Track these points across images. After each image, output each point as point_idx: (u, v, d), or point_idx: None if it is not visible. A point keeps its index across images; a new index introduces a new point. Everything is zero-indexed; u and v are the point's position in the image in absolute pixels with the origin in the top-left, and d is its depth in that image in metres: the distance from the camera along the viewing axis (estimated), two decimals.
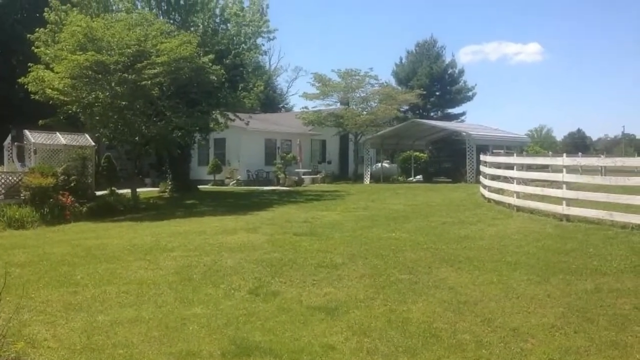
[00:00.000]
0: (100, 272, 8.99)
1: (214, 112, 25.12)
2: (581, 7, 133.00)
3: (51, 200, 18.61)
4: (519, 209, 15.76)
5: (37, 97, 20.85)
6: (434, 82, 57.68)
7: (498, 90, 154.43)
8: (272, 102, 58.85)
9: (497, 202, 17.72)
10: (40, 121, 21.99)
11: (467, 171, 30.98)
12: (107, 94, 20.11)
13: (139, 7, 25.26)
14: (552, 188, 15.27)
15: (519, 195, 16.12)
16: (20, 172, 22.72)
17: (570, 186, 13.76)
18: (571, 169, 15.79)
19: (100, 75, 19.94)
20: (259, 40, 27.13)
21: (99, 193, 22.28)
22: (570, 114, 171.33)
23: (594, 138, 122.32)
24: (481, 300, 6.91)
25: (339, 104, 39.71)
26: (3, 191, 20.76)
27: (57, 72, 19.89)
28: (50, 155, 24.05)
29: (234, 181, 34.61)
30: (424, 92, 46.79)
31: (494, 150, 27.88)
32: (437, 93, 59.06)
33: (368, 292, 7.33)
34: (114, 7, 25.32)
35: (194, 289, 7.77)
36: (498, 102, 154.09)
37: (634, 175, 14.20)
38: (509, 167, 17.56)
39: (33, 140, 26.09)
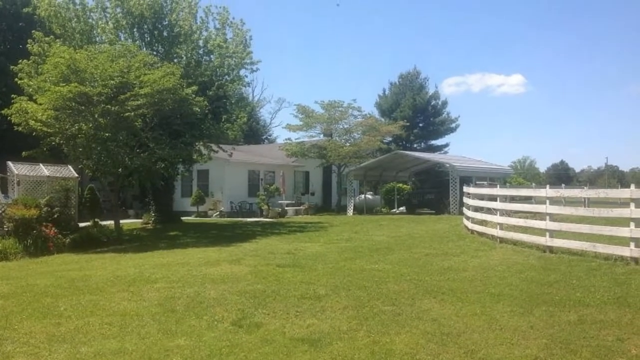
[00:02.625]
0: (83, 304, 8.92)
1: (197, 143, 25.14)
2: (563, 39, 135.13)
3: (34, 231, 18.51)
4: (502, 240, 15.83)
5: (20, 128, 20.76)
6: (417, 114, 58.12)
7: (481, 121, 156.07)
8: (255, 134, 59.04)
9: (480, 234, 17.79)
10: (24, 153, 21.83)
11: (450, 202, 31.03)
12: (91, 125, 20.08)
13: (122, 38, 25.39)
14: (536, 219, 15.35)
15: (502, 226, 16.20)
16: (4, 203, 22.57)
17: (554, 218, 13.87)
18: (554, 201, 15.91)
19: (83, 107, 19.95)
20: (242, 72, 27.44)
21: (82, 224, 22.19)
22: (553, 146, 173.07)
23: (577, 169, 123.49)
24: (464, 331, 6.91)
25: (322, 135, 39.92)
26: None
27: (40, 104, 19.87)
28: (33, 186, 23.94)
29: (217, 212, 34.56)
30: (407, 124, 47.09)
31: (477, 182, 28.09)
32: (421, 124, 59.47)
33: (351, 324, 7.31)
34: (97, 39, 25.40)
35: (177, 320, 7.72)
36: (481, 134, 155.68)
37: (617, 207, 14.31)
38: (492, 198, 17.66)
39: (16, 172, 25.96)
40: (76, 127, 20.30)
